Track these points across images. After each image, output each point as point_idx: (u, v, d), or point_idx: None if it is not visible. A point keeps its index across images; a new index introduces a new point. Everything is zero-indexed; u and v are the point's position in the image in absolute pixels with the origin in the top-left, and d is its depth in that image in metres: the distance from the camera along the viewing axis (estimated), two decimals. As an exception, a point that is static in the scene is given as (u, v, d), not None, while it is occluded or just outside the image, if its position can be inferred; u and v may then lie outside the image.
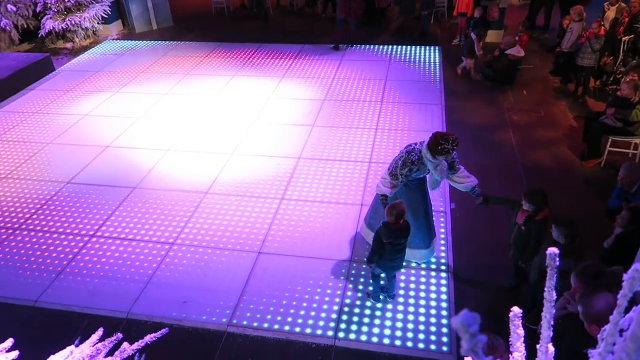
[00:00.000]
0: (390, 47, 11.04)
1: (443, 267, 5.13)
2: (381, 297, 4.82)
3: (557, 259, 1.57)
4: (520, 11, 12.53)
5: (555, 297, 1.63)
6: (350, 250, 5.38)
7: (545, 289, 1.62)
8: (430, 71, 9.75)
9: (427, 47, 10.82)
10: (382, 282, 4.85)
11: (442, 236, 5.53)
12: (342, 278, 5.04)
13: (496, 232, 5.62)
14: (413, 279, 5.00)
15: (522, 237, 4.46)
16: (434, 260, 5.22)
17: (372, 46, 11.10)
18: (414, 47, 10.91)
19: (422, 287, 4.91)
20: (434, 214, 5.34)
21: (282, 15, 13.91)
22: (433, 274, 5.05)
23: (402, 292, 4.84)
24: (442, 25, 12.29)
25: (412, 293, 4.84)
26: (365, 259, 4.60)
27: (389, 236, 4.29)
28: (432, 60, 10.24)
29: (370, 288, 4.83)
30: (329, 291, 4.89)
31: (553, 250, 1.56)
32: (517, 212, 4.42)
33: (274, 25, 13.05)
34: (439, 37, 11.56)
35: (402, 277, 5.01)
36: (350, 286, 4.94)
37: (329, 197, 6.25)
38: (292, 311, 4.70)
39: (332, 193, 6.32)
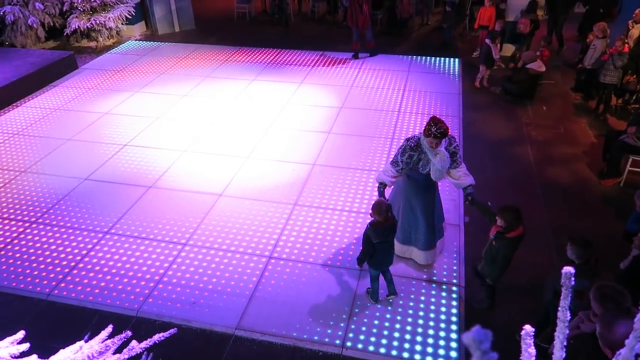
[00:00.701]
0: (410, 57, 11.02)
1: (454, 281, 5.07)
2: (390, 299, 4.83)
3: (573, 279, 1.55)
4: (542, 25, 12.41)
5: (569, 317, 1.60)
6: (361, 259, 5.35)
7: (559, 308, 1.60)
8: (449, 82, 9.70)
9: (447, 59, 10.78)
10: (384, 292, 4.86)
11: (455, 249, 5.48)
12: (352, 287, 5.02)
13: (510, 247, 5.55)
14: (423, 290, 4.95)
15: (492, 252, 4.43)
16: (445, 272, 5.17)
17: (392, 55, 11.09)
18: (433, 58, 10.88)
19: (432, 299, 4.86)
20: (444, 218, 5.40)
21: (303, 21, 13.99)
22: (444, 286, 5.00)
23: (411, 304, 4.80)
24: (463, 37, 12.25)
25: (422, 305, 4.79)
26: (356, 259, 4.68)
27: (379, 236, 4.34)
28: (452, 72, 10.19)
29: (370, 288, 4.87)
30: (338, 299, 4.87)
31: (568, 269, 1.53)
32: (492, 226, 4.39)
33: (295, 31, 13.12)
34: (459, 48, 11.52)
35: (412, 289, 4.97)
36: (360, 295, 4.91)
37: (342, 204, 6.24)
38: (300, 317, 4.68)
39: (345, 201, 6.30)
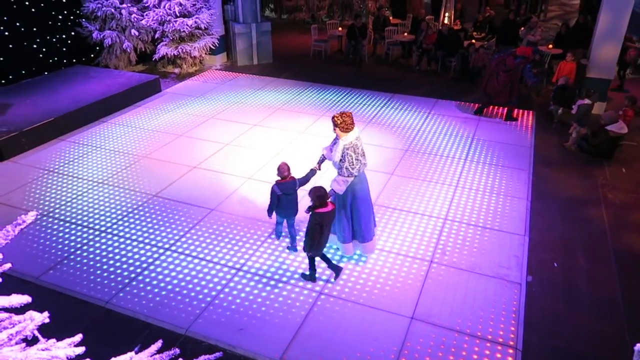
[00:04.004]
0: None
1: (511, 343, 4.78)
2: (287, 251, 5.98)
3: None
4: (626, 85, 11.86)
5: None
6: (412, 307, 5.19)
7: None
8: (521, 135, 9.42)
9: (521, 110, 10.48)
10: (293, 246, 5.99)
11: (514, 309, 5.19)
12: (401, 334, 4.86)
13: (577, 315, 5.21)
14: (476, 349, 4.71)
15: (307, 225, 5.16)
16: (501, 332, 4.89)
17: (463, 102, 10.98)
18: (506, 109, 10.62)
19: (485, 359, 4.60)
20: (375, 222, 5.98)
21: (377, 63, 14.22)
22: (499, 347, 4.73)
23: (462, 361, 4.57)
24: (540, 89, 11.92)
25: (473, 364, 4.55)
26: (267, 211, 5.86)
27: (282, 190, 5.66)
28: (525, 124, 9.91)
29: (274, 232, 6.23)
30: (384, 346, 4.73)
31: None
32: None
33: (367, 72, 13.35)
34: (534, 101, 11.21)
35: (465, 345, 4.74)
36: (408, 344, 4.74)
37: (398, 248, 6.12)
38: (343, 359, 4.58)
39: (402, 244, 6.18)
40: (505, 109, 10.16)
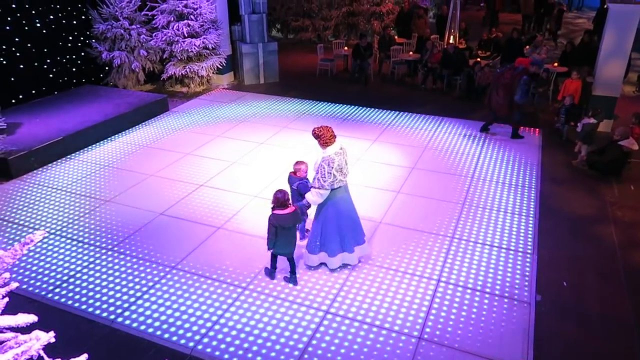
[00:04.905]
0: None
1: (520, 364, 4.71)
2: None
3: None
4: (632, 102, 11.86)
5: None
6: (420, 327, 5.13)
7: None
8: (528, 152, 9.40)
9: (527, 129, 10.48)
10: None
11: (524, 328, 5.11)
12: (408, 355, 4.79)
13: (587, 335, 5.12)
14: (485, 370, 4.64)
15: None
16: (509, 352, 4.80)
17: (470, 121, 10.98)
18: (512, 127, 10.61)
19: (495, 381, 4.52)
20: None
21: (382, 81, 14.31)
22: (508, 368, 4.65)
23: (471, 383, 4.50)
24: (545, 107, 11.94)
25: (482, 386, 4.48)
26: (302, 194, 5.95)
27: (289, 181, 6.15)
28: (531, 142, 9.89)
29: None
30: (392, 366, 4.67)
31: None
32: None
33: (373, 90, 13.43)
34: (539, 119, 11.21)
35: (474, 366, 4.66)
36: (416, 365, 4.68)
37: (405, 267, 6.08)
38: (351, 380, 4.52)
39: (409, 263, 6.14)
40: (511, 127, 10.16)
